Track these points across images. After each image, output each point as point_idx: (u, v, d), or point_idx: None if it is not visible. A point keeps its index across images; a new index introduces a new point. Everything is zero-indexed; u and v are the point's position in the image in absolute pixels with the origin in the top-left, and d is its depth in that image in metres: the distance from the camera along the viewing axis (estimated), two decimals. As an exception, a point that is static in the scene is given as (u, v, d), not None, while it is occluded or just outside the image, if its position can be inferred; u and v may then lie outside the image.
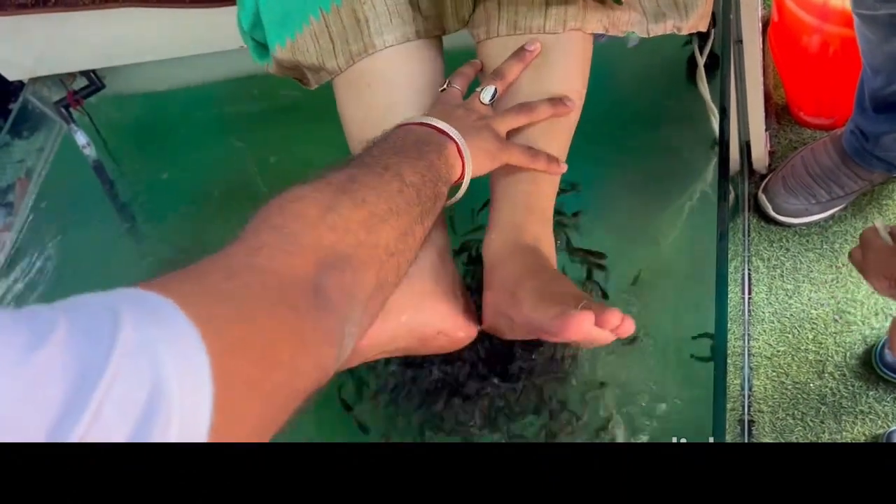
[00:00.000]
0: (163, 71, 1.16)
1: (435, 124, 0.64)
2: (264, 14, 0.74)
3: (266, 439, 0.42)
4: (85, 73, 1.17)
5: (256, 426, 0.41)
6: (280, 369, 0.43)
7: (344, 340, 0.50)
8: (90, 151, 1.15)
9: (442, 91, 0.72)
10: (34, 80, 1.18)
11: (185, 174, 1.09)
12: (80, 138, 1.16)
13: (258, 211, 0.52)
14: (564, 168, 0.71)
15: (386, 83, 0.72)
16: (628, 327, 0.57)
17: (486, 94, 0.70)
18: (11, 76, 1.17)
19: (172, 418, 0.34)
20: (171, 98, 1.19)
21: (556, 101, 0.70)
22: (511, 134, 0.70)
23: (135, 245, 1.08)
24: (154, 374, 0.35)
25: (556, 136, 0.71)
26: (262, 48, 0.78)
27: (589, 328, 0.55)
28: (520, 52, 0.71)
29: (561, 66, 0.72)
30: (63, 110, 1.17)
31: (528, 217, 0.69)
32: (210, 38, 1.06)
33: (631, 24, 0.74)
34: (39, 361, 0.32)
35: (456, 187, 0.66)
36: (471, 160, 0.64)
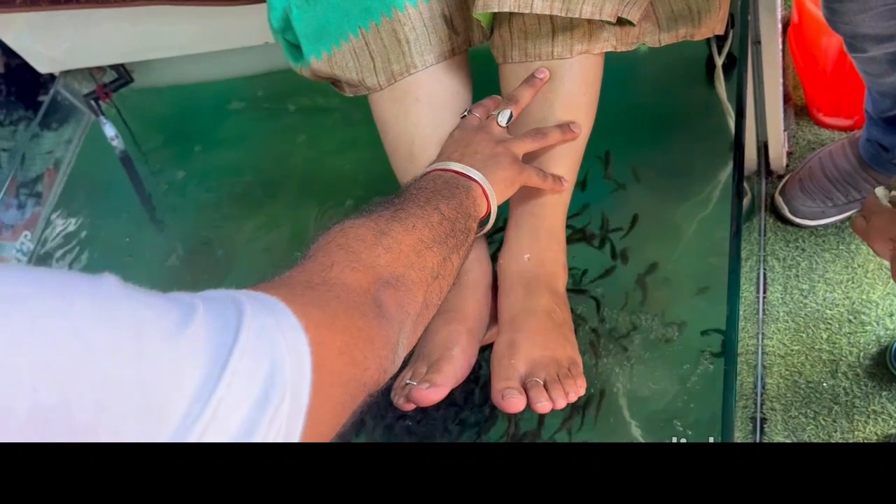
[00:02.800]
0: (190, 66, 1.18)
1: (461, 171, 0.69)
2: (297, 25, 0.76)
3: (338, 426, 0.48)
4: (114, 67, 1.19)
5: (335, 412, 0.47)
6: (354, 365, 0.49)
7: (398, 349, 0.55)
8: (118, 143, 1.17)
9: (463, 117, 0.77)
10: (65, 73, 1.20)
11: (210, 167, 1.11)
12: (109, 130, 1.18)
13: (321, 235, 0.59)
14: (565, 186, 0.76)
15: (431, 100, 0.77)
16: (572, 400, 0.67)
17: (503, 118, 0.75)
18: (43, 69, 1.19)
19: (286, 395, 0.41)
20: (198, 92, 1.21)
21: (565, 127, 0.75)
22: (524, 158, 0.74)
23: (159, 235, 1.10)
24: (272, 355, 0.42)
25: (566, 157, 0.76)
26: (296, 49, 0.79)
27: (522, 407, 0.66)
28: (531, 79, 0.76)
29: (568, 91, 0.76)
30: (92, 103, 1.19)
31: (534, 242, 0.75)
32: (237, 35, 1.07)
33: (641, 37, 0.76)
34: (189, 335, 0.39)
35: (484, 220, 0.71)
36: (495, 196, 0.70)
